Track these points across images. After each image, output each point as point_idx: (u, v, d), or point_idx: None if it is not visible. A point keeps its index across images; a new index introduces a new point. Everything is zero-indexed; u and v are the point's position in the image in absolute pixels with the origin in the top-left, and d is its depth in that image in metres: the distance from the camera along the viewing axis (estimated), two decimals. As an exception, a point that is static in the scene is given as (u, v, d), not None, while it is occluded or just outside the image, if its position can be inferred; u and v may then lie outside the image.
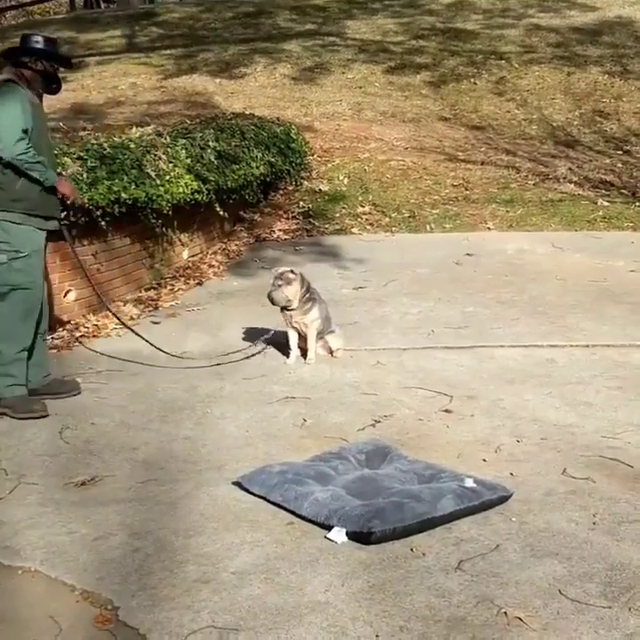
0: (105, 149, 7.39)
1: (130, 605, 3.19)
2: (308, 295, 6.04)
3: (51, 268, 6.34)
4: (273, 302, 6.02)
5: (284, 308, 6.04)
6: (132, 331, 6.26)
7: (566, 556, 3.47)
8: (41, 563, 3.51)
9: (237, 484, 4.12)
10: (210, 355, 6.14)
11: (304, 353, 6.11)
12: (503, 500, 3.92)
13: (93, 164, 7.06)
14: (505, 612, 3.08)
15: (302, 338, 6.11)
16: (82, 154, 7.08)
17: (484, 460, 4.42)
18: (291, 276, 5.99)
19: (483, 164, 12.14)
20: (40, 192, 5.06)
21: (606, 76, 15.04)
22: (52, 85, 5.29)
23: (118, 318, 6.55)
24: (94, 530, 3.77)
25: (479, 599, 3.17)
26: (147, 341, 6.09)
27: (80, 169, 6.88)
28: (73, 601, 3.26)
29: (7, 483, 4.27)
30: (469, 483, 3.91)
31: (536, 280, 8.14)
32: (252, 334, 6.57)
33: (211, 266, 8.97)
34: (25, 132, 4.91)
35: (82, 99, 14.14)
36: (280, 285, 5.96)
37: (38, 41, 5.14)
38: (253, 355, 6.12)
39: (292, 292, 5.97)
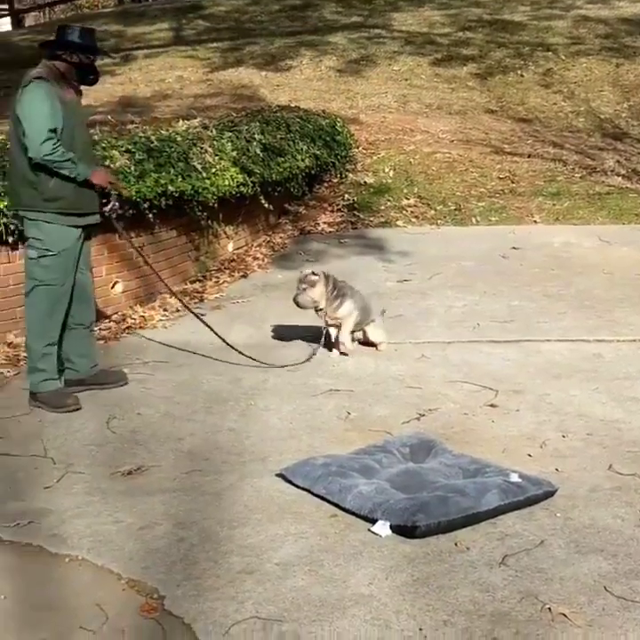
0: (152, 142, 7.45)
1: (175, 595, 3.23)
2: (336, 292, 6.00)
3: (97, 261, 6.40)
4: (299, 306, 6.02)
5: (314, 308, 6.04)
6: (199, 318, 6.11)
7: (612, 552, 3.44)
8: (88, 551, 3.57)
9: (281, 475, 4.14)
10: (253, 346, 6.12)
11: (345, 347, 6.10)
12: (548, 495, 3.90)
13: (141, 157, 7.13)
14: (549, 608, 3.07)
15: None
16: (130, 147, 7.15)
17: (530, 456, 4.39)
18: (313, 277, 5.96)
19: (529, 156, 12.02)
20: (75, 189, 5.01)
21: (656, 67, 14.80)
22: (90, 77, 5.18)
23: (184, 303, 6.50)
24: (140, 519, 3.82)
25: (523, 594, 3.16)
26: (212, 330, 5.97)
27: (128, 162, 6.95)
28: (119, 589, 3.31)
29: (55, 472, 4.33)
30: (514, 478, 3.90)
31: (583, 274, 8.06)
32: (296, 329, 6.55)
33: (255, 258, 8.99)
34: (53, 131, 4.82)
35: (129, 92, 14.23)
36: (305, 289, 5.94)
37: (73, 33, 5.05)
38: (311, 356, 5.98)
39: (317, 293, 5.95)
